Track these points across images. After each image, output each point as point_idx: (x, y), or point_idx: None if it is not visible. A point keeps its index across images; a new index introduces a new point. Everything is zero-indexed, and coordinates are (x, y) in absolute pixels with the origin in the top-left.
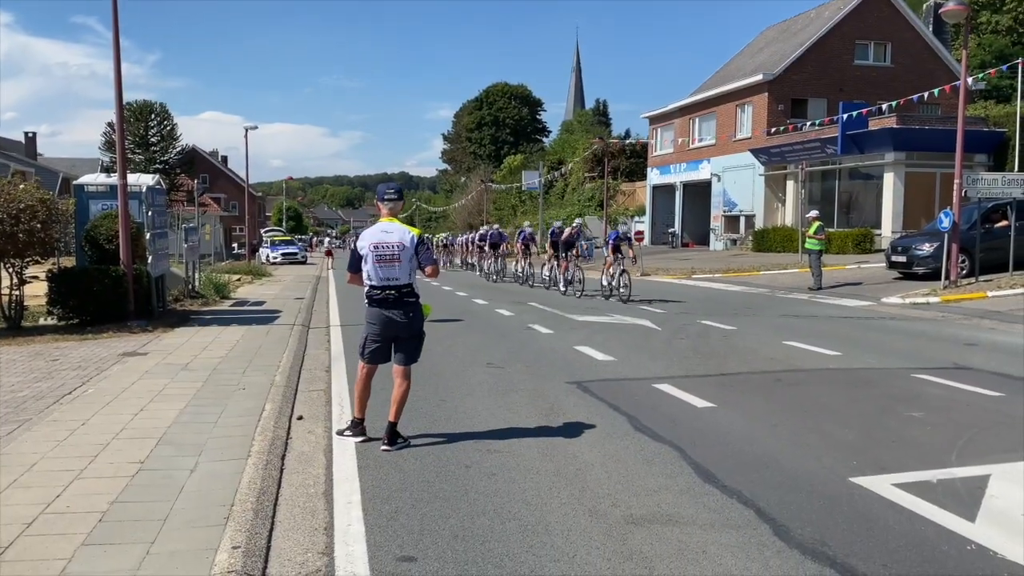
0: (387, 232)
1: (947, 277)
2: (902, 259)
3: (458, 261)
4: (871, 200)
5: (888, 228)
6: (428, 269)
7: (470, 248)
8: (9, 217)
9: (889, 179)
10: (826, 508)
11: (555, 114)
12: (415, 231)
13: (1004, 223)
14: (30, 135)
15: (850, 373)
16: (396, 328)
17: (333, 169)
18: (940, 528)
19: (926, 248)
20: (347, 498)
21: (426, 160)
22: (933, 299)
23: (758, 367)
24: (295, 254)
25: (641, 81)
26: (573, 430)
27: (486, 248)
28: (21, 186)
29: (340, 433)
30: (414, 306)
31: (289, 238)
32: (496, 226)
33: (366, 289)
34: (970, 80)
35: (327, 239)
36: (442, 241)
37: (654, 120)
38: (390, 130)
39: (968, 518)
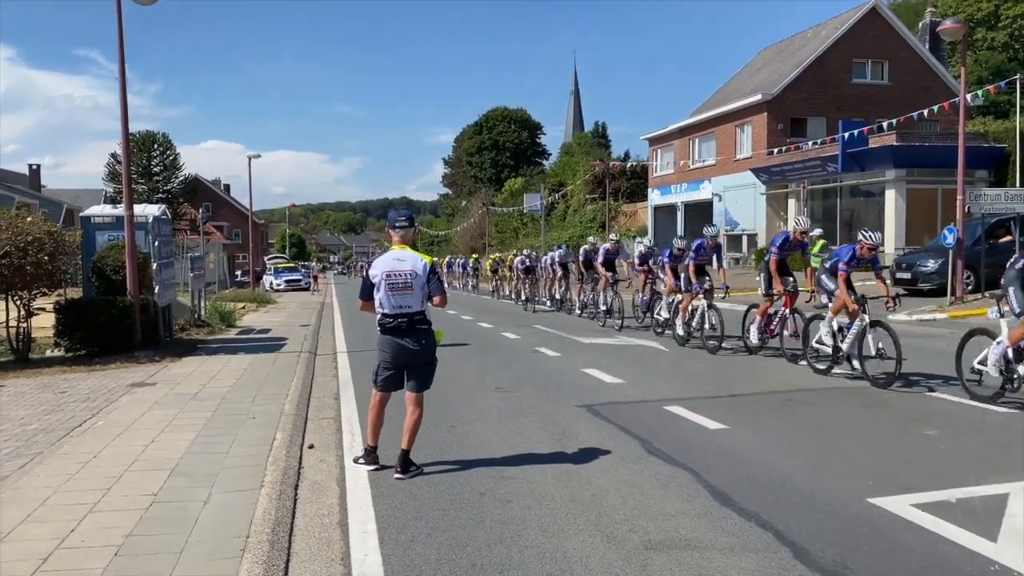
0: (400, 260)
1: (953, 293)
2: (907, 276)
3: (543, 292)
4: (873, 217)
5: (891, 245)
6: (436, 299)
7: (558, 273)
8: (17, 250)
9: (891, 196)
10: (845, 529)
11: (554, 137)
12: (428, 259)
13: (1008, 238)
14: (34, 167)
15: (862, 392)
16: (408, 355)
17: (335, 195)
18: (962, 549)
19: (931, 264)
20: (362, 527)
21: (427, 185)
22: (940, 315)
23: (769, 387)
24: (299, 281)
25: (639, 103)
26: (586, 455)
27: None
28: (29, 219)
29: (356, 461)
30: (426, 333)
31: (293, 265)
32: (646, 239)
33: (378, 317)
34: (968, 96)
35: (313, 264)
36: (520, 264)
37: (653, 141)
38: (391, 156)
39: (989, 538)
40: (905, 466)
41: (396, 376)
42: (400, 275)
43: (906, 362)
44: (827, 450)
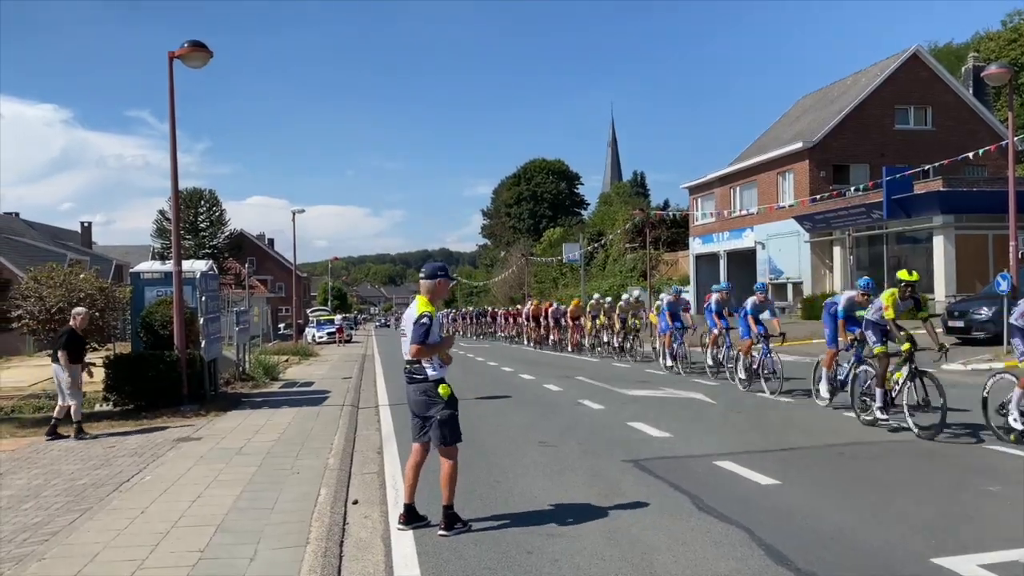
0: (409, 308)
1: (1008, 341)
2: (960, 324)
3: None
4: (921, 264)
5: (941, 292)
6: (412, 347)
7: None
8: (70, 306)
9: (939, 242)
10: None
11: (592, 187)
12: (422, 310)
13: None
14: (86, 225)
15: (918, 445)
16: (414, 404)
17: (376, 247)
18: None
19: (984, 312)
20: None
21: (466, 236)
22: (997, 364)
23: (820, 441)
24: (335, 333)
25: (678, 151)
26: (635, 511)
27: None
28: (82, 276)
29: (399, 528)
30: (422, 384)
31: (331, 317)
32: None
33: None
34: (1016, 140)
35: (340, 317)
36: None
37: (694, 190)
38: (430, 208)
39: None
40: (968, 523)
41: (420, 425)
42: (403, 321)
43: (963, 413)
44: (885, 506)
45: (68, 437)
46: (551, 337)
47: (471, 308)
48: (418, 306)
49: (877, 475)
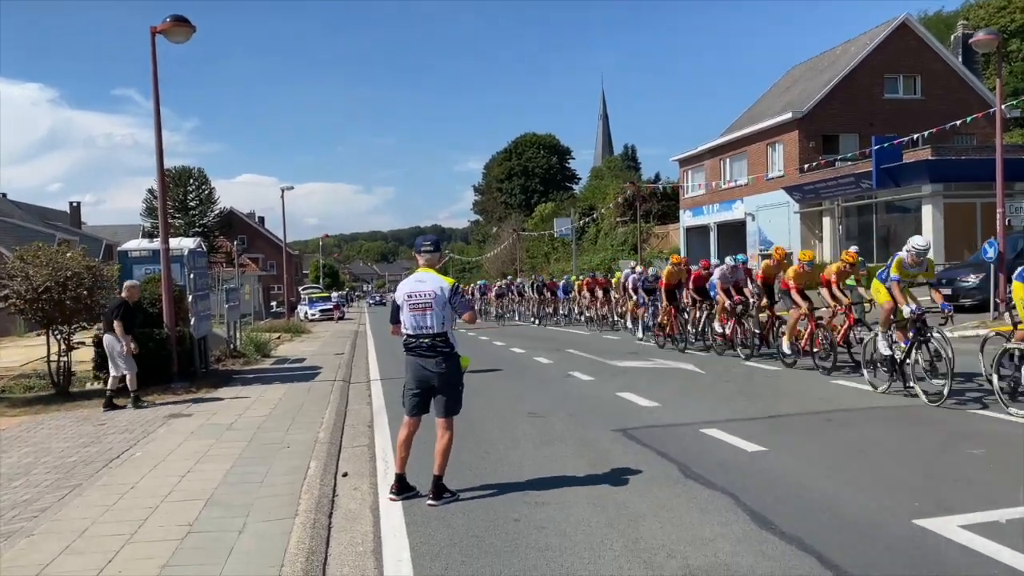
0: (421, 282)
1: (996, 308)
2: (947, 291)
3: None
4: (910, 233)
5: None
6: (466, 316)
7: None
8: (57, 285)
9: (927, 211)
10: (892, 553)
11: (584, 161)
12: (449, 281)
13: None
14: (74, 205)
15: (902, 411)
16: (430, 377)
17: (367, 225)
18: (1015, 572)
19: (972, 279)
20: (396, 556)
21: (458, 212)
22: (983, 331)
23: (807, 408)
24: (332, 310)
25: (668, 125)
26: (622, 479)
27: None
28: (68, 254)
29: (390, 498)
30: (448, 356)
31: (327, 294)
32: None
33: (403, 338)
34: (1004, 107)
35: (336, 293)
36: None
37: (684, 163)
38: (422, 184)
39: None
40: (951, 486)
41: (422, 399)
42: (420, 295)
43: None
44: (869, 471)
45: (125, 408)
46: (721, 329)
47: (515, 279)
48: (442, 278)
49: (862, 441)
